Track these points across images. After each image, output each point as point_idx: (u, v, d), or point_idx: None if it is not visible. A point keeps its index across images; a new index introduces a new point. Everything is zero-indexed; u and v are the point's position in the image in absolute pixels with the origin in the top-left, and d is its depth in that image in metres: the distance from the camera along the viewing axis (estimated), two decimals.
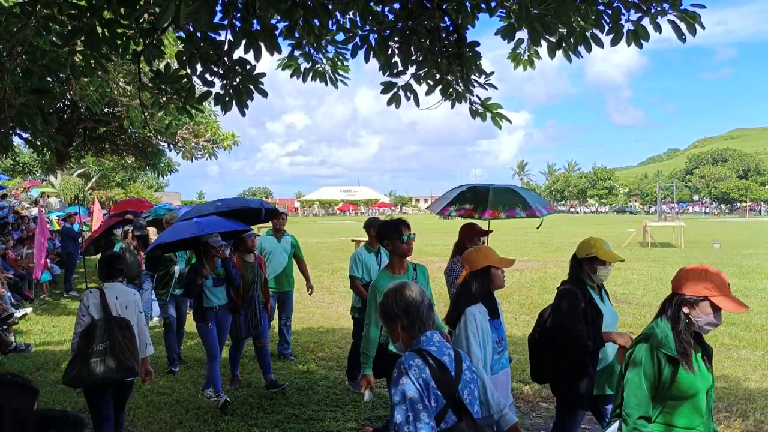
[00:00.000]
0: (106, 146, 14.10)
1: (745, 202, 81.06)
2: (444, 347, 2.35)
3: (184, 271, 6.80)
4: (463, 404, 2.28)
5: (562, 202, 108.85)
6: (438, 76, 3.97)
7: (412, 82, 4.02)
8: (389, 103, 4.00)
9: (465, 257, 3.38)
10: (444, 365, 2.28)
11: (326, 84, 4.56)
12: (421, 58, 3.96)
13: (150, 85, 3.73)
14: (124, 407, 4.42)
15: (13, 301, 10.04)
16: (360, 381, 4.07)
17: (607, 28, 3.49)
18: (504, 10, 3.82)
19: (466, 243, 4.97)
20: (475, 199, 5.49)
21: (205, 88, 3.53)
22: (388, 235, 4.01)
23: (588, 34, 3.58)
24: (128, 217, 10.78)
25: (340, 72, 4.65)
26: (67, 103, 10.89)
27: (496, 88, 3.97)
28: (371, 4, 3.89)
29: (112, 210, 18.27)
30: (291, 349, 7.47)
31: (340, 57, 4.59)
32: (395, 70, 4.03)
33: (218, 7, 3.29)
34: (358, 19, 4.04)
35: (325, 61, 4.56)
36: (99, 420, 4.10)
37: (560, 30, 3.54)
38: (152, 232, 8.49)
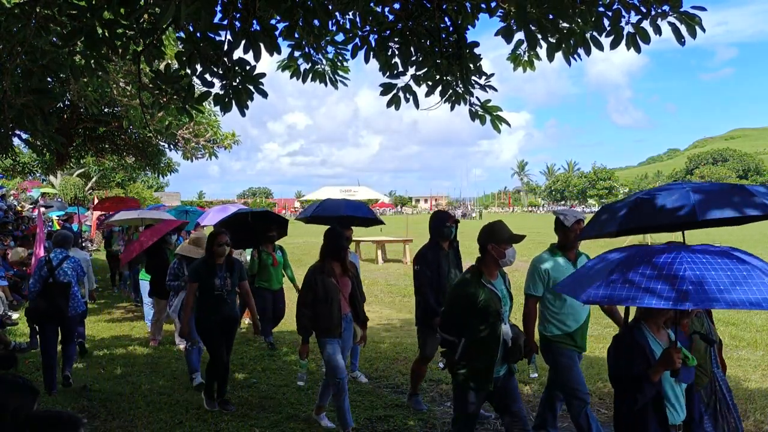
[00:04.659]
0: (106, 146, 14.07)
1: None
2: (60, 255, 5.97)
3: None
4: (56, 276, 5.82)
5: (562, 202, 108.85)
6: (438, 77, 3.96)
7: (412, 83, 4.02)
8: (389, 104, 4.00)
9: None
10: (51, 261, 5.90)
11: (326, 85, 4.56)
12: (420, 58, 3.96)
13: (150, 85, 3.73)
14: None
15: (12, 299, 10.04)
16: None
17: (606, 30, 3.49)
18: (503, 11, 3.82)
19: None
20: None
21: (205, 89, 3.53)
22: None
23: (588, 36, 3.58)
24: (183, 221, 9.74)
25: (340, 73, 4.65)
26: (66, 103, 10.87)
27: (496, 90, 3.96)
28: (371, 4, 3.89)
29: (98, 207, 18.19)
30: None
31: (340, 57, 4.59)
32: (395, 71, 4.03)
33: (218, 7, 3.29)
34: (358, 19, 4.04)
35: (324, 61, 4.55)
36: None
37: (560, 31, 3.54)
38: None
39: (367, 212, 7.25)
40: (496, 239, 3.81)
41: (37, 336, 6.31)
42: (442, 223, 5.31)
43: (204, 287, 5.36)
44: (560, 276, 4.19)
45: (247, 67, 3.41)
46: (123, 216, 11.19)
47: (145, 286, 9.09)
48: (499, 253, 3.79)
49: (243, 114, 3.55)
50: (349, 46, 4.24)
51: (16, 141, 9.47)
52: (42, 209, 16.23)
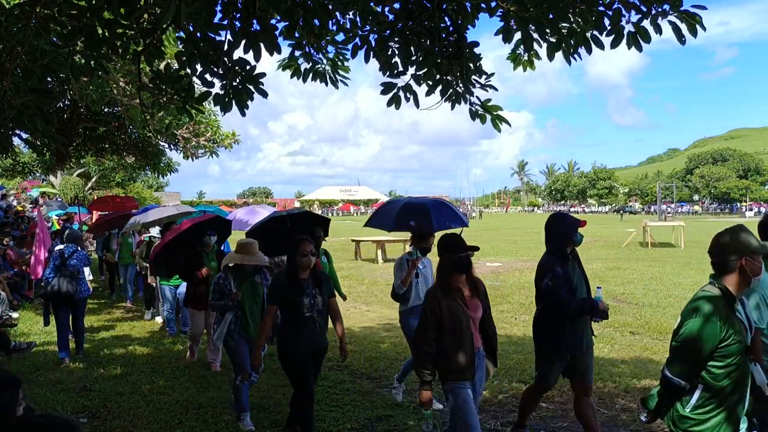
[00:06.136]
0: (106, 146, 14.04)
1: (745, 202, 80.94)
2: (71, 249, 7.23)
3: None
4: (67, 265, 7.18)
5: (562, 202, 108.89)
6: (438, 77, 3.97)
7: (412, 82, 4.02)
8: (389, 104, 4.00)
9: None
10: (64, 253, 7.20)
11: (326, 84, 4.56)
12: (421, 58, 3.96)
13: (150, 85, 3.73)
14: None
15: (12, 299, 10.04)
16: None
17: (607, 29, 3.49)
18: (503, 11, 3.82)
19: None
20: None
21: (205, 89, 3.53)
22: None
23: (588, 35, 3.58)
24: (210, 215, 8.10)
25: (341, 72, 4.65)
26: (67, 103, 10.86)
27: (496, 90, 3.97)
28: (371, 4, 3.89)
29: (93, 207, 18.15)
30: None
31: (341, 57, 4.59)
32: (395, 71, 4.03)
33: (218, 7, 3.29)
34: (358, 19, 4.04)
35: (325, 61, 4.56)
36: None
37: (559, 31, 3.53)
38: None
39: (453, 220, 5.66)
40: (750, 250, 2.75)
41: (50, 315, 7.70)
42: (573, 229, 4.31)
43: (288, 307, 4.37)
44: None
45: (247, 67, 3.41)
46: (158, 214, 9.83)
47: (165, 291, 8.66)
48: (754, 269, 2.77)
49: (243, 114, 3.55)
50: (350, 46, 4.25)
51: (16, 141, 9.46)
52: (42, 209, 16.24)
